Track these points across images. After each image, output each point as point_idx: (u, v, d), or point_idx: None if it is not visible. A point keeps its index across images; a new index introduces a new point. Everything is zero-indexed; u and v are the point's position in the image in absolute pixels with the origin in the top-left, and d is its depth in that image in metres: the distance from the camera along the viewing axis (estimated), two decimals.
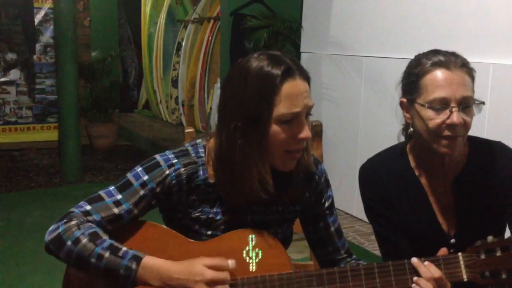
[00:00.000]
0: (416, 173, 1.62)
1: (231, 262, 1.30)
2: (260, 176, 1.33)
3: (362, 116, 4.09)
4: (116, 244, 1.30)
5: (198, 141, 1.46)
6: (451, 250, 1.42)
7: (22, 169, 6.05)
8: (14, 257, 3.69)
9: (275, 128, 1.31)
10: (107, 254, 1.28)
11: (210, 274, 1.27)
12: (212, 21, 6.93)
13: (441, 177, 1.60)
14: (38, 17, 6.81)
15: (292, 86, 1.30)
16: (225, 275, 1.29)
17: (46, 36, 6.87)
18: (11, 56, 6.76)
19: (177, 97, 7.66)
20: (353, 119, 4.21)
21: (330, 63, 4.47)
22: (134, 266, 1.27)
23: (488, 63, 3.08)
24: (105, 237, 1.31)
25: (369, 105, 3.96)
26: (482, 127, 3.02)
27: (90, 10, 7.50)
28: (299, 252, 3.11)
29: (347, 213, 4.26)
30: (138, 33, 8.73)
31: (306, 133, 1.33)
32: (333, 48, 4.43)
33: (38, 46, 6.87)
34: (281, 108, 1.29)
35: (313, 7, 4.64)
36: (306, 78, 1.34)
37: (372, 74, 3.91)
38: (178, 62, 7.60)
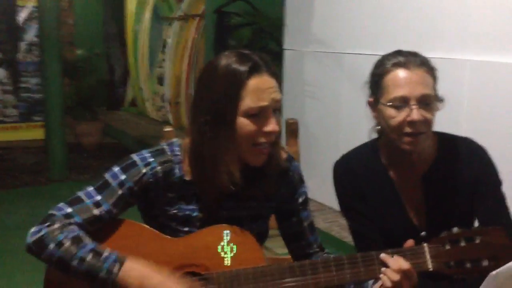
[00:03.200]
0: (387, 169, 1.68)
1: None
2: (228, 168, 1.38)
3: (343, 113, 4.14)
4: (98, 248, 1.33)
5: (174, 140, 1.51)
6: (422, 243, 1.47)
7: (7, 168, 6.04)
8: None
9: (242, 121, 1.35)
10: (89, 257, 1.31)
11: None
12: (197, 18, 6.94)
13: (411, 172, 1.66)
14: (22, 16, 6.78)
15: (258, 81, 1.35)
16: None
17: (30, 35, 6.84)
18: None
19: (163, 95, 7.67)
20: (334, 116, 4.26)
21: (313, 60, 4.52)
22: (115, 269, 1.30)
23: (464, 60, 3.13)
24: (87, 241, 1.34)
25: (350, 101, 4.01)
26: (459, 123, 3.08)
27: (74, 8, 7.49)
28: (283, 247, 3.17)
29: (331, 208, 4.33)
30: (124, 30, 8.71)
31: (272, 126, 1.37)
32: (315, 45, 4.47)
33: (22, 45, 6.84)
34: (248, 102, 1.35)
35: (295, 5, 4.67)
36: (274, 74, 1.39)
37: (353, 70, 3.95)
38: (164, 60, 7.61)
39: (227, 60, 1.38)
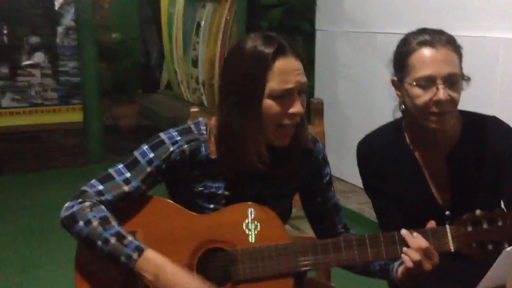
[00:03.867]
0: (411, 148, 1.68)
1: None
2: (256, 148, 1.41)
3: (377, 93, 4.12)
4: (123, 232, 1.37)
5: (200, 119, 1.55)
6: (447, 222, 1.48)
7: (48, 150, 6.23)
8: (41, 234, 3.86)
9: (268, 102, 1.38)
10: (113, 240, 1.35)
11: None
12: (230, 0, 6.94)
13: (435, 151, 1.66)
14: (59, 1, 6.92)
15: (284, 64, 1.37)
16: None
17: (67, 19, 6.98)
18: (34, 39, 6.91)
19: (197, 77, 7.73)
20: (368, 96, 4.24)
21: (345, 40, 4.49)
22: (135, 256, 1.34)
23: (498, 38, 3.07)
24: (114, 223, 1.38)
25: (383, 81, 3.97)
26: (492, 102, 3.04)
27: None
28: None
29: (363, 189, 4.33)
30: (159, 13, 8.77)
31: (297, 108, 1.39)
32: (348, 25, 4.44)
33: (60, 29, 7.00)
34: (273, 84, 1.37)
35: None
36: (299, 56, 1.41)
37: (385, 50, 3.90)
38: (197, 42, 7.65)
39: (253, 42, 1.40)
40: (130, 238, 1.37)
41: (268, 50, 1.37)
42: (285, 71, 1.37)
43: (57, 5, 6.92)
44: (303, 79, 1.41)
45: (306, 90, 1.44)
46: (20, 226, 4.05)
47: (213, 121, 1.51)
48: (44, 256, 3.55)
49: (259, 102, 1.38)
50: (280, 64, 1.37)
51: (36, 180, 5.17)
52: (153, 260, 1.35)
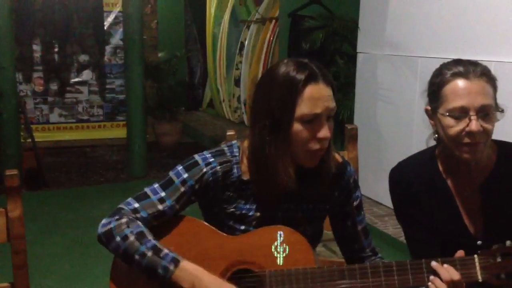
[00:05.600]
0: (444, 176, 1.68)
1: None
2: (285, 169, 1.45)
3: (416, 117, 4.09)
4: (159, 245, 1.43)
5: (234, 142, 1.60)
6: (478, 252, 1.47)
7: (92, 165, 6.41)
8: (81, 247, 3.97)
9: (297, 126, 1.42)
10: (150, 253, 1.41)
11: None
12: (273, 21, 7.04)
13: (468, 181, 1.65)
14: (108, 21, 7.17)
15: (314, 89, 1.41)
16: None
17: (116, 39, 7.22)
18: (83, 57, 7.16)
19: (239, 96, 7.83)
20: (407, 120, 4.22)
21: (386, 63, 4.49)
22: (172, 267, 1.40)
23: None
24: (150, 237, 1.44)
25: (423, 106, 3.95)
26: None
27: (157, 12, 7.80)
28: None
29: None
30: (204, 33, 8.97)
31: (325, 132, 1.42)
32: (389, 48, 4.44)
33: (108, 48, 7.24)
34: (303, 109, 1.41)
35: (370, 7, 4.66)
36: (330, 83, 1.44)
37: (427, 74, 3.89)
38: (240, 62, 7.77)
39: (286, 68, 1.44)
40: (166, 250, 1.42)
41: (300, 76, 1.41)
42: (314, 96, 1.41)
43: (106, 25, 7.16)
44: (332, 104, 1.44)
45: (334, 115, 1.47)
46: (63, 239, 4.18)
47: (245, 143, 1.55)
48: (83, 269, 3.64)
49: (289, 126, 1.42)
50: (310, 90, 1.41)
51: (79, 194, 5.32)
52: (189, 270, 1.40)
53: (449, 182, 1.68)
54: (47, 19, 6.95)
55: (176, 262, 1.40)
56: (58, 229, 4.36)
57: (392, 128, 4.45)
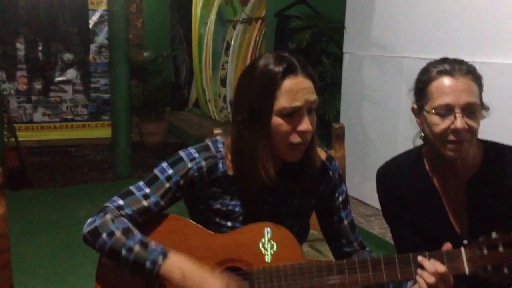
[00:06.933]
0: (431, 176, 1.68)
1: None
2: (263, 163, 1.43)
3: (402, 117, 4.11)
4: (145, 239, 1.42)
5: (218, 137, 1.59)
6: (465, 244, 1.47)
7: (76, 165, 6.35)
8: (65, 247, 3.93)
9: (276, 120, 1.40)
10: (137, 248, 1.40)
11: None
12: (260, 21, 7.03)
13: (455, 180, 1.66)
14: (93, 19, 7.11)
15: (293, 82, 1.39)
16: None
17: (101, 37, 7.16)
18: (68, 56, 7.09)
19: (225, 96, 7.81)
20: (393, 120, 4.24)
21: (372, 63, 4.50)
22: (160, 260, 1.38)
23: None
24: (136, 232, 1.43)
25: (409, 106, 3.97)
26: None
27: (143, 11, 7.76)
28: None
29: None
30: (190, 32, 8.93)
31: (305, 125, 1.41)
32: (374, 48, 4.46)
33: (93, 47, 7.18)
34: (282, 102, 1.39)
35: (356, 8, 4.68)
36: (310, 76, 1.43)
37: (412, 74, 3.91)
38: (226, 62, 7.75)
39: (265, 61, 1.43)
40: (153, 245, 1.41)
41: (278, 69, 1.40)
42: (293, 89, 1.39)
43: (91, 23, 7.11)
44: (312, 97, 1.42)
45: (316, 108, 1.45)
46: (47, 239, 4.13)
47: (229, 139, 1.54)
48: (68, 269, 3.61)
49: (268, 119, 1.40)
50: (289, 82, 1.39)
51: (64, 194, 5.27)
52: (178, 261, 1.39)
53: (435, 181, 1.69)
54: (31, 17, 6.87)
55: (164, 254, 1.39)
56: (42, 229, 4.31)
57: (378, 128, 4.47)
